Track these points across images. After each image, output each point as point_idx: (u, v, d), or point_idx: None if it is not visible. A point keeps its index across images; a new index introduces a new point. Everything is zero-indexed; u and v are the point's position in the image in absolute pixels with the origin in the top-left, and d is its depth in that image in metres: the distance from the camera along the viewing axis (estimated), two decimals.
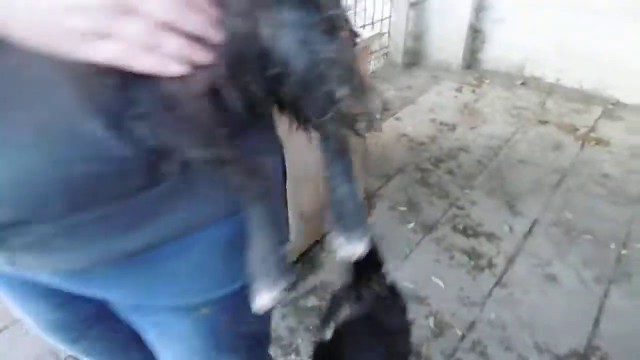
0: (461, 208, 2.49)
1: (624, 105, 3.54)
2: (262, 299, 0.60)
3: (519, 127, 3.29)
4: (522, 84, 3.89)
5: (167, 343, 0.76)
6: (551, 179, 2.73)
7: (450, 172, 2.79)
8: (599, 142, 3.10)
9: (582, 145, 3.07)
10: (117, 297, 0.68)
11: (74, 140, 0.45)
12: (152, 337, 0.77)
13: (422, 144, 3.07)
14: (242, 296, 0.64)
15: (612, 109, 3.52)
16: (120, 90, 0.42)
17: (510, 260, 2.16)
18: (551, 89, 3.79)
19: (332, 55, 0.46)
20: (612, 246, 2.24)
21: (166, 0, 0.39)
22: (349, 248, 0.66)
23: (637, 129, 3.26)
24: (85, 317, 0.83)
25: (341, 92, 0.48)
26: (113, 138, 0.45)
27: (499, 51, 4.03)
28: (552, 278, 2.07)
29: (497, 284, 2.04)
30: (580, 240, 2.28)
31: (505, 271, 2.10)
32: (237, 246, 0.62)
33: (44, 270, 0.60)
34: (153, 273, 0.62)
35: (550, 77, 3.87)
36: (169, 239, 0.59)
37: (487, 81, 3.95)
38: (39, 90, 0.43)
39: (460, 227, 2.35)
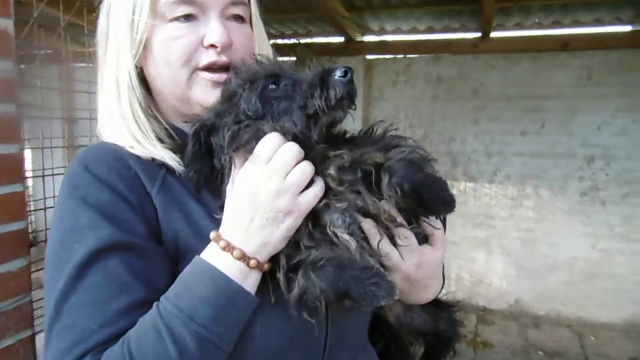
0: None
1: (490, 310, 4.38)
2: None
3: None
4: None
5: None
6: None
7: None
8: (485, 344, 3.72)
9: (474, 350, 3.65)
10: None
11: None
12: None
13: None
14: None
15: (482, 314, 4.32)
16: None
17: None
18: None
19: None
20: None
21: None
22: None
23: (507, 331, 4.01)
24: None
25: None
26: None
27: None
28: None
29: None
30: None
31: None
32: None
33: None
34: None
35: None
36: None
37: None
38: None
39: None
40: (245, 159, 0.72)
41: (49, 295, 0.71)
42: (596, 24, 4.00)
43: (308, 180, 0.71)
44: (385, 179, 0.69)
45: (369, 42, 4.55)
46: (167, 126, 0.85)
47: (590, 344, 3.79)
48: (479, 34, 4.10)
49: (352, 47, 4.54)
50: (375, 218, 0.69)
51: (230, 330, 0.69)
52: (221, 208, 0.74)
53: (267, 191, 0.69)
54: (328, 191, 0.70)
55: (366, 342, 0.95)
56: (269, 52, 0.92)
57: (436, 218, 0.78)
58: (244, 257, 0.69)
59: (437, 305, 0.93)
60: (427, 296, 0.83)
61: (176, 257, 0.77)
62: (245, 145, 0.71)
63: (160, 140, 0.82)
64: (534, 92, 4.07)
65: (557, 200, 4.13)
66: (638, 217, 3.94)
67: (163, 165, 0.80)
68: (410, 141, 0.74)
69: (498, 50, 4.10)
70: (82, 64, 3.38)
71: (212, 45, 0.79)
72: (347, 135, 0.78)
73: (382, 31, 4.51)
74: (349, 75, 0.71)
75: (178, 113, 0.87)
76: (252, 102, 0.72)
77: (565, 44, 3.92)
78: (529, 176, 4.19)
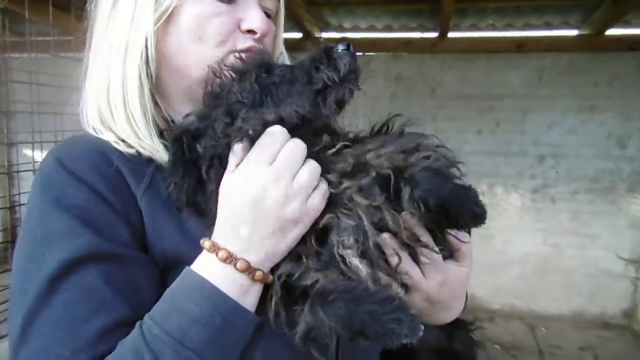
0: None
1: None
2: None
3: None
4: None
5: None
6: None
7: None
8: None
9: None
10: None
11: None
12: None
13: None
14: None
15: None
16: None
17: None
18: None
19: None
20: None
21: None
22: None
23: None
24: None
25: None
26: None
27: None
28: None
29: None
30: None
31: None
32: None
33: None
34: None
35: None
36: None
37: None
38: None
39: None
40: (242, 156, 0.62)
41: (15, 312, 0.60)
42: (546, 27, 4.16)
43: (317, 181, 0.62)
44: (406, 192, 0.60)
45: (328, 38, 4.49)
46: (168, 116, 0.75)
47: (542, 335, 3.93)
48: (436, 34, 4.14)
49: (310, 43, 4.45)
50: (395, 233, 0.61)
51: (228, 356, 0.60)
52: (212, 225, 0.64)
53: (274, 198, 0.60)
54: (336, 200, 0.61)
55: None
56: (284, 51, 0.90)
57: (463, 231, 0.70)
58: (248, 269, 0.60)
59: (454, 323, 0.81)
60: (448, 317, 0.75)
61: (164, 268, 0.66)
62: (243, 138, 0.61)
63: (159, 130, 0.72)
64: (489, 92, 4.17)
65: (511, 197, 4.25)
66: (585, 213, 4.13)
67: (151, 161, 0.69)
68: (434, 139, 0.67)
69: (455, 50, 4.16)
70: (20, 54, 3.10)
71: (250, 31, 0.74)
72: (359, 135, 0.70)
73: (340, 28, 4.46)
74: (351, 48, 0.65)
75: (189, 97, 0.76)
76: (247, 90, 0.63)
77: (520, 46, 4.03)
78: (484, 174, 4.28)
